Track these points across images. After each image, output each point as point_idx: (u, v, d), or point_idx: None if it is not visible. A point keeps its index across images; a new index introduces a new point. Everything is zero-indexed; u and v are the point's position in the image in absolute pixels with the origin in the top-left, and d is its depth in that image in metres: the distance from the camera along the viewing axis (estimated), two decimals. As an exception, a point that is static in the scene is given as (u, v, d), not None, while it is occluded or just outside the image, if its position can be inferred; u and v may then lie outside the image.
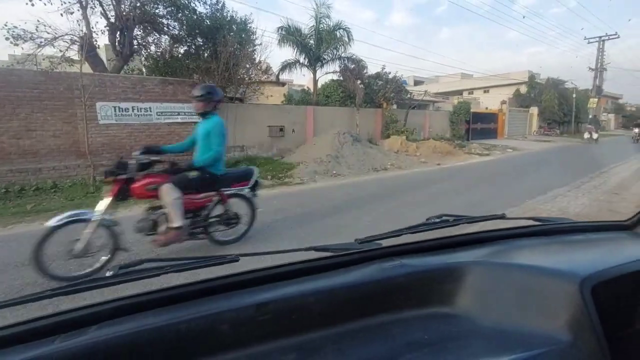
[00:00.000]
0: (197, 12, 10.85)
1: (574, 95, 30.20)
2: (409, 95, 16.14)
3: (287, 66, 13.28)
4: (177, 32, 11.23)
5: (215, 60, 10.32)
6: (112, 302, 0.66)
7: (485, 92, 35.03)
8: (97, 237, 2.90)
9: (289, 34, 12.25)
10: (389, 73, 14.83)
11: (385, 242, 0.93)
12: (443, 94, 30.85)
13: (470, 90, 36.52)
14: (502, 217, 1.19)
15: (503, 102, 25.56)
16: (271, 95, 13.63)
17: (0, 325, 0.60)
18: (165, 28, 10.96)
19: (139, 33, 10.81)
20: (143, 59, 11.41)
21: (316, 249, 0.88)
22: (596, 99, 30.46)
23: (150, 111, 8.75)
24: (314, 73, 13.14)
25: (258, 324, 0.66)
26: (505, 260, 0.86)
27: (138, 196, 3.07)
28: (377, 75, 14.75)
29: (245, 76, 11.78)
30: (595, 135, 21.19)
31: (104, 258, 2.93)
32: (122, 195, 3.00)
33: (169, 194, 2.96)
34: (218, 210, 3.51)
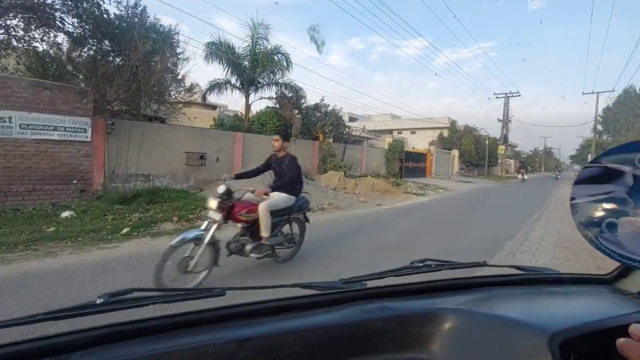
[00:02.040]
0: (103, 9, 8.88)
1: (487, 142, 33.81)
2: (347, 130, 15.69)
3: (216, 86, 11.69)
4: (76, 31, 9.09)
5: (120, 68, 8.36)
6: (98, 329, 0.64)
7: (412, 133, 37.34)
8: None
9: (220, 51, 10.81)
10: (328, 105, 14.23)
11: (369, 284, 0.93)
12: (375, 131, 31.93)
13: (399, 131, 38.68)
14: (484, 264, 1.19)
15: (431, 144, 27.14)
16: (195, 117, 11.81)
17: None
18: (58, 23, 8.75)
19: (19, 23, 8.44)
20: (21, 57, 8.87)
21: (301, 285, 0.89)
22: (504, 146, 34.57)
23: (11, 122, 6.35)
24: (247, 97, 11.77)
25: None
26: (484, 310, 0.85)
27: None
28: (316, 107, 14.00)
29: (164, 92, 9.92)
30: (525, 177, 27.48)
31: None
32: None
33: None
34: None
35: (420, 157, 23.16)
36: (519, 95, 32.68)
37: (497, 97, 34.36)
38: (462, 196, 14.27)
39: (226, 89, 11.70)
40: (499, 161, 36.25)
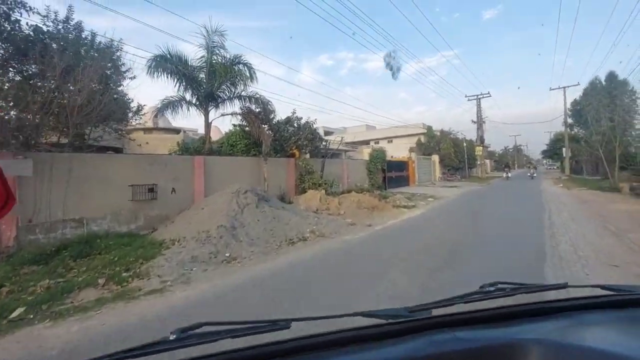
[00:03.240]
0: (15, 22, 7.23)
1: (465, 144, 33.62)
2: (324, 144, 14.41)
3: (169, 105, 10.13)
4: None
5: (37, 88, 6.74)
6: None
7: (389, 142, 36.80)
8: None
9: (168, 63, 9.31)
10: (300, 118, 12.93)
11: (437, 311, 0.86)
12: (351, 143, 31.02)
13: (376, 140, 38.05)
14: (565, 286, 1.02)
15: (411, 150, 26.37)
16: (147, 143, 10.14)
17: None
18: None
19: None
20: None
21: (364, 314, 0.84)
22: (481, 147, 34.54)
23: None
24: (206, 114, 10.25)
25: None
26: (572, 341, 0.75)
27: None
28: (288, 120, 12.66)
29: (101, 114, 8.26)
30: (510, 174, 29.49)
31: None
32: None
33: None
34: None
35: (402, 165, 22.22)
36: (489, 96, 32.94)
37: (468, 100, 34.54)
38: (455, 203, 13.18)
39: (181, 107, 10.15)
40: (478, 162, 36.16)
